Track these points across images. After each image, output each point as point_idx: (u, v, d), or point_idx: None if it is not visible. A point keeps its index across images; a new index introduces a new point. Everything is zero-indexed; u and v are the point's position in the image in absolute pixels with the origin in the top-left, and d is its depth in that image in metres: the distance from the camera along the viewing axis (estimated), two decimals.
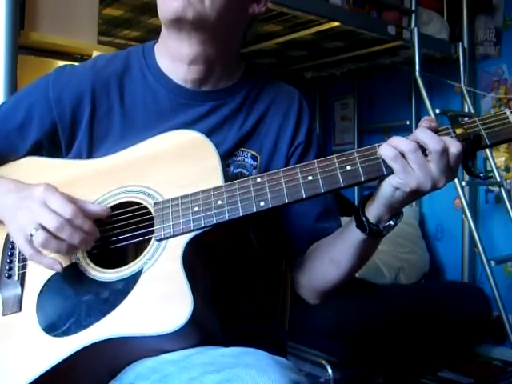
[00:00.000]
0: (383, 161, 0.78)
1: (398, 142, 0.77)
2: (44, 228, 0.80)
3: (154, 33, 2.45)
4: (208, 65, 0.96)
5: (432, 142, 0.76)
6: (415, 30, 2.69)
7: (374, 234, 0.84)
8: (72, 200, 0.84)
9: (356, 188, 3.43)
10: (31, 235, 0.81)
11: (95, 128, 0.97)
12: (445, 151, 0.75)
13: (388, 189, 0.79)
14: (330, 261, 0.93)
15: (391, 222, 0.83)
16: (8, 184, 0.91)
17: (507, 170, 2.92)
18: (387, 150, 0.77)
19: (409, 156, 0.76)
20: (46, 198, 0.82)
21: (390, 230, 0.85)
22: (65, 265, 0.85)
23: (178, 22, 0.90)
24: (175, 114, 0.96)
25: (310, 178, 0.80)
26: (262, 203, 0.80)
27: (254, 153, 0.98)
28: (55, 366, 0.77)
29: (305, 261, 0.99)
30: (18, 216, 0.83)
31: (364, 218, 0.83)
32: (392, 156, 0.76)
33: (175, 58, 0.96)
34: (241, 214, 0.80)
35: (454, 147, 0.76)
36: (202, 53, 0.94)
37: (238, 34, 0.99)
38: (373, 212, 0.83)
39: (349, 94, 3.65)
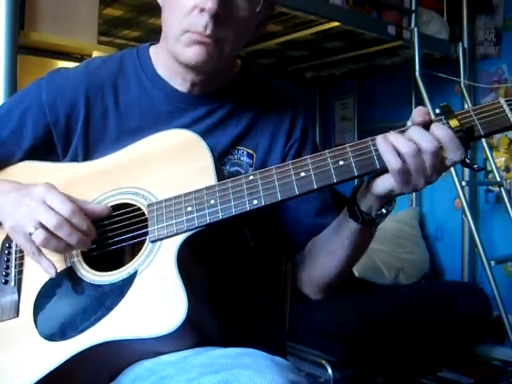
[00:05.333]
0: (377, 155, 0.78)
1: (400, 144, 0.76)
2: (43, 226, 0.80)
3: (153, 33, 2.45)
4: (209, 75, 0.96)
5: (425, 141, 0.75)
6: (415, 30, 2.69)
7: (367, 222, 0.84)
8: (71, 199, 0.84)
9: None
10: (30, 234, 0.81)
11: (90, 132, 0.96)
12: (438, 152, 0.75)
13: (383, 188, 0.79)
14: (327, 254, 0.94)
15: (383, 210, 0.84)
16: (7, 185, 0.92)
17: (507, 170, 2.91)
18: (394, 160, 0.75)
19: (408, 160, 0.75)
20: (45, 196, 0.82)
21: (384, 218, 0.86)
22: (60, 269, 0.85)
23: (195, 67, 0.92)
24: (172, 117, 0.96)
25: (303, 174, 0.79)
26: (255, 201, 0.80)
27: (250, 151, 0.98)
28: (53, 370, 0.77)
29: (303, 257, 1.00)
30: (16, 213, 0.83)
31: (356, 208, 0.84)
32: (397, 169, 0.75)
33: (178, 72, 0.96)
34: (234, 213, 0.80)
35: (458, 156, 0.75)
36: (206, 77, 0.96)
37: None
38: (365, 203, 0.84)
39: (349, 94, 3.64)
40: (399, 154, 0.75)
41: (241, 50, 0.98)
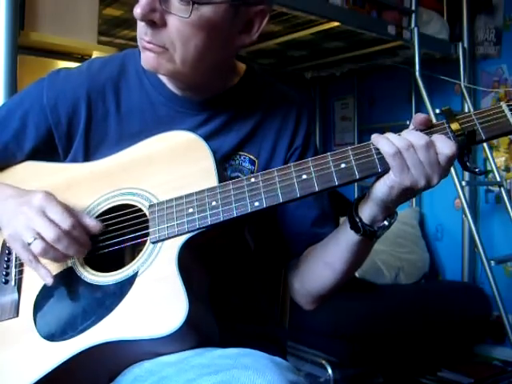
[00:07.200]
0: (378, 158, 0.78)
1: (394, 138, 0.77)
2: (42, 237, 0.80)
3: None
4: (195, 82, 0.94)
5: (415, 138, 0.76)
6: (415, 30, 2.69)
7: (368, 234, 0.83)
8: (70, 211, 0.83)
9: (356, 188, 3.44)
10: (29, 244, 0.80)
11: (91, 134, 0.96)
12: (429, 146, 0.75)
13: (383, 188, 0.78)
14: (324, 264, 0.93)
15: (385, 223, 0.83)
16: (7, 190, 0.91)
17: (507, 169, 2.91)
18: (387, 145, 0.76)
19: (404, 153, 0.76)
20: (45, 207, 0.82)
21: (385, 231, 0.85)
22: (61, 269, 0.85)
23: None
24: (172, 122, 0.95)
25: (305, 176, 0.79)
26: (257, 203, 0.80)
27: (252, 157, 0.97)
28: (53, 370, 0.77)
29: (299, 266, 0.99)
30: (14, 222, 0.83)
31: (358, 219, 0.83)
32: (391, 153, 0.76)
33: None
34: (235, 215, 0.80)
35: (448, 147, 0.75)
36: (186, 85, 0.94)
37: (226, 61, 0.97)
38: (366, 212, 0.83)
39: (349, 94, 3.64)
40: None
41: (218, 59, 0.90)
